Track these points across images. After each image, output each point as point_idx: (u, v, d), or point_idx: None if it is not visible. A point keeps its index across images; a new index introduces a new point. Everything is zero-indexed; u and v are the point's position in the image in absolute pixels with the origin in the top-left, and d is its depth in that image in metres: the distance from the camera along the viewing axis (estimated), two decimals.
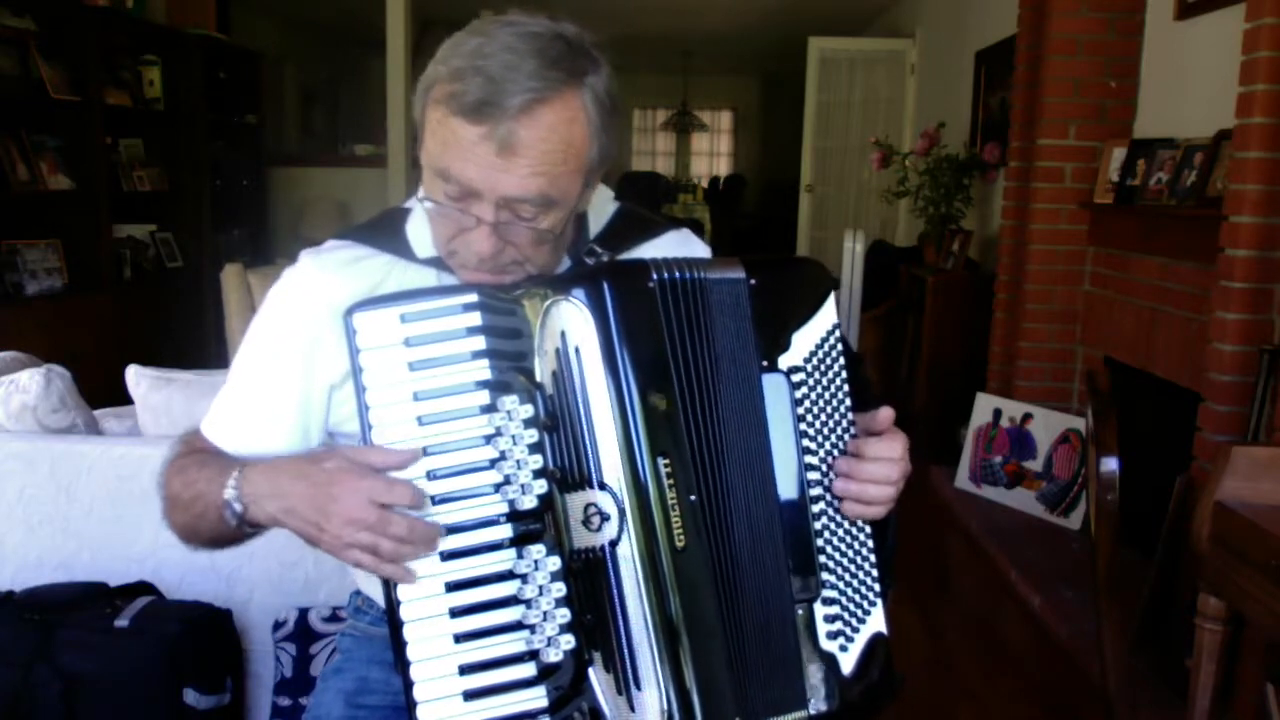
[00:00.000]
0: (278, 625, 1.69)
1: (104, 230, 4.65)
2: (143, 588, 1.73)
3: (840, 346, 1.00)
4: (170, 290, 5.25)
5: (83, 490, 1.80)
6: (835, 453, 1.00)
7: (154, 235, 5.30)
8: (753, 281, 0.97)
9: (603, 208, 1.14)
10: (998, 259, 4.12)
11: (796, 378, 0.98)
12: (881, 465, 0.99)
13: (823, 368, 0.99)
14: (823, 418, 0.99)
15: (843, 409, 1.00)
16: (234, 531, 1.00)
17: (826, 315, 1.00)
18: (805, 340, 0.99)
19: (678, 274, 0.95)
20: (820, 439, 0.99)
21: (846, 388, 1.00)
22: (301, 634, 1.67)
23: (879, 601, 1.01)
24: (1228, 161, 2.55)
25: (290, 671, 1.67)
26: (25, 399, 1.86)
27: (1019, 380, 3.85)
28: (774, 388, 0.97)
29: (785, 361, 0.98)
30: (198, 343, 5.29)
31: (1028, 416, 3.70)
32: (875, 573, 1.01)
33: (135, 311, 4.85)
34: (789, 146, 8.48)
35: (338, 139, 8.54)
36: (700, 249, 1.18)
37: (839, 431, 1.00)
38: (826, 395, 0.99)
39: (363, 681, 1.18)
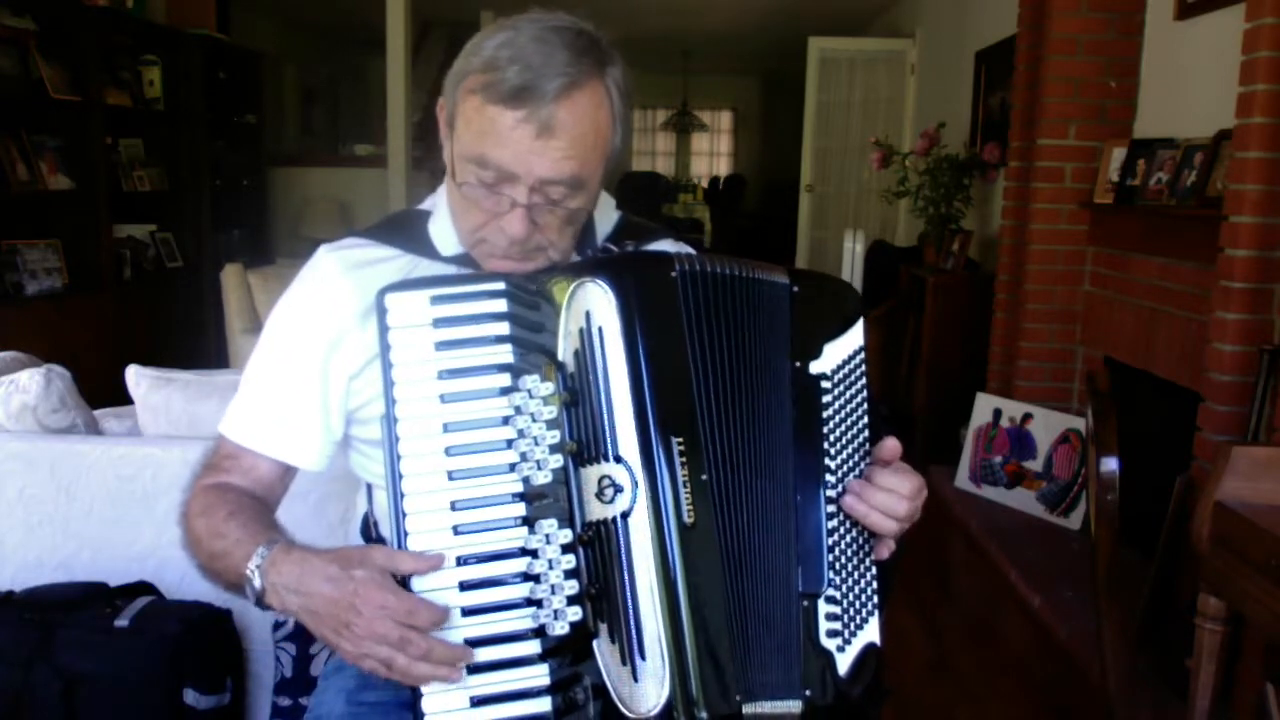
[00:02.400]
0: (278, 625, 1.69)
1: (104, 230, 4.66)
2: (143, 588, 1.74)
3: (864, 369, 1.04)
4: (170, 290, 5.25)
5: (83, 490, 1.80)
6: (849, 464, 1.03)
7: (154, 235, 5.30)
8: (795, 288, 1.03)
9: (607, 215, 1.18)
10: (998, 259, 4.12)
11: (824, 385, 1.02)
12: (891, 497, 1.01)
13: (848, 381, 1.04)
14: (841, 428, 1.03)
15: (860, 424, 1.04)
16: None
17: (856, 335, 1.05)
18: (835, 353, 1.03)
19: (718, 268, 1.00)
20: (838, 447, 1.02)
21: (867, 406, 1.04)
22: (302, 633, 1.66)
23: (877, 612, 1.04)
24: (1228, 161, 2.55)
25: (290, 671, 1.67)
26: (25, 399, 1.86)
27: (1019, 380, 3.85)
28: (802, 387, 1.01)
29: (815, 368, 1.02)
30: (198, 343, 5.30)
31: (1028, 416, 3.69)
32: (876, 584, 1.04)
33: (135, 311, 4.86)
34: (789, 146, 8.48)
35: (338, 139, 8.56)
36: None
37: (855, 445, 1.04)
38: (847, 409, 1.03)
39: (363, 678, 1.18)
